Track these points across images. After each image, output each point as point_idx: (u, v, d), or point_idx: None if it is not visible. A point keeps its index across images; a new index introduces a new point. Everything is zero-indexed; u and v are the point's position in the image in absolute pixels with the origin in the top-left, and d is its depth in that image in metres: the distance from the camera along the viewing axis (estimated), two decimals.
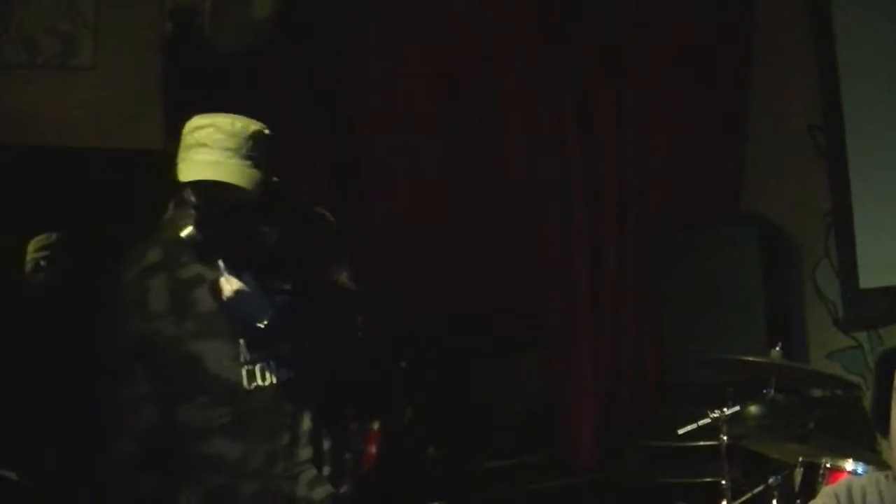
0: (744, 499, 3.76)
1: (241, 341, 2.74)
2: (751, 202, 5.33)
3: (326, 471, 2.81)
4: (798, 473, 3.42)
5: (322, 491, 2.78)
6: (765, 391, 3.73)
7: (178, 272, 2.79)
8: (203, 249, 2.76)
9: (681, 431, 4.04)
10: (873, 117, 4.67)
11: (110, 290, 2.84)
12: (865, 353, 4.84)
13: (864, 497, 1.89)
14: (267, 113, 2.69)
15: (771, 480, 3.75)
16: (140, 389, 2.74)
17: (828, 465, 3.28)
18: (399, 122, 5.19)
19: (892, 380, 1.71)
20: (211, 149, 2.68)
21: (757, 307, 4.83)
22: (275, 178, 2.79)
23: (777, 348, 3.88)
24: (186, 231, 2.74)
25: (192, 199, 2.74)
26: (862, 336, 4.92)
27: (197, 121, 2.75)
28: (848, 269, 4.76)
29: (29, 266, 3.22)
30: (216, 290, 2.73)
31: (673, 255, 5.13)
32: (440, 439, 4.67)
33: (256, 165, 2.71)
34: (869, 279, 4.68)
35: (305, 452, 2.78)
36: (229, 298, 2.70)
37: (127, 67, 5.31)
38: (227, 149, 2.68)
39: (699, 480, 4.39)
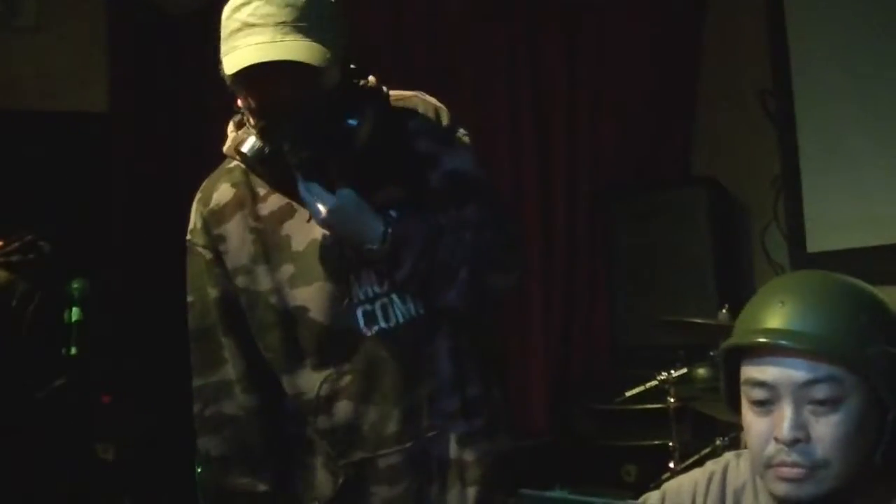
0: (691, 460, 3.79)
1: (351, 276, 2.14)
2: (701, 166, 5.36)
3: (479, 423, 2.21)
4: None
5: (477, 449, 2.19)
6: (712, 353, 3.76)
7: (257, 208, 2.19)
8: (275, 165, 2.10)
9: (628, 394, 4.08)
10: (822, 82, 4.68)
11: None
12: None
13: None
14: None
15: (718, 442, 3.80)
16: (229, 372, 2.20)
17: None
18: None
19: (739, 374, 1.65)
20: (262, 27, 1.99)
21: (707, 270, 4.86)
22: (352, 64, 2.15)
23: (724, 310, 3.92)
24: (248, 145, 2.10)
25: (250, 102, 2.07)
26: None
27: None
28: (795, 232, 4.79)
29: None
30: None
31: (623, 217, 5.14)
32: None
33: (324, 41, 2.01)
34: (816, 243, 4.71)
35: (452, 403, 2.18)
36: (325, 220, 2.06)
37: (72, 28, 5.23)
38: (282, 23, 1.99)
39: (648, 443, 4.43)
